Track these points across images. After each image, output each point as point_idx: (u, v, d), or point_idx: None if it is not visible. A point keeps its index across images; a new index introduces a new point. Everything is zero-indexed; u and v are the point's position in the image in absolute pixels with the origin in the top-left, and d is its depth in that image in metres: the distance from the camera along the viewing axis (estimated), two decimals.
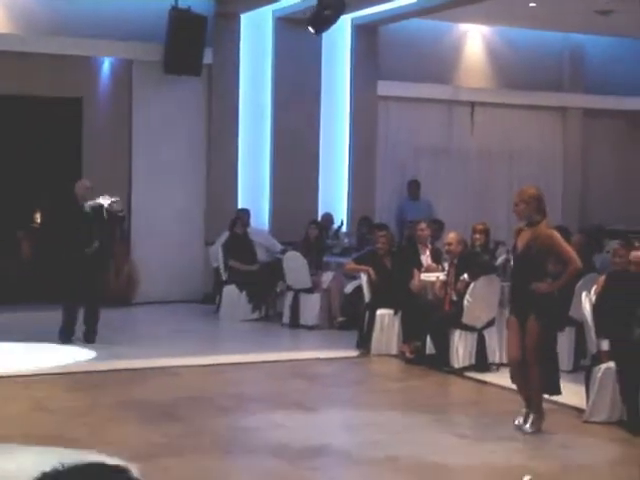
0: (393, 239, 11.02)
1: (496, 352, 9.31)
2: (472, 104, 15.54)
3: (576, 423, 7.29)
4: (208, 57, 13.28)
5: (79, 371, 8.98)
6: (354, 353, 10.13)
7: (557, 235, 6.96)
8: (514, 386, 7.29)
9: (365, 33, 14.33)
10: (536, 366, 6.89)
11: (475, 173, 15.65)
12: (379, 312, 10.15)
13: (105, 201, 10.28)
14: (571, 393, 7.60)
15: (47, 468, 2.22)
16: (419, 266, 10.50)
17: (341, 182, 14.48)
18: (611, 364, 7.16)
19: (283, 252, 12.49)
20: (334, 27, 11.37)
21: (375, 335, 10.10)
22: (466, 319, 9.21)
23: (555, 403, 7.45)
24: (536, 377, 6.93)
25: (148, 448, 6.40)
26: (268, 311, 12.46)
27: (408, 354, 9.68)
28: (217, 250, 12.67)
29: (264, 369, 9.42)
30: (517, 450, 6.72)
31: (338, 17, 11.00)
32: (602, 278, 7.66)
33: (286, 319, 11.91)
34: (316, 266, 12.11)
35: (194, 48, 12.90)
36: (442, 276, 9.70)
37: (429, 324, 9.38)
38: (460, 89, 15.36)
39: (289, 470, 6.12)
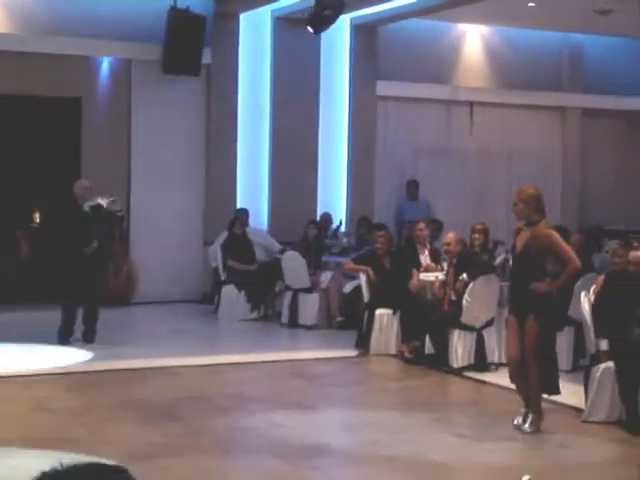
0: (392, 239, 11.03)
1: (495, 352, 9.32)
2: (471, 104, 15.55)
3: (575, 423, 7.29)
4: (207, 57, 13.27)
5: (78, 371, 8.98)
6: (353, 353, 10.14)
7: (556, 235, 6.96)
8: (513, 386, 7.29)
9: (364, 33, 14.34)
10: (535, 366, 6.89)
11: (474, 173, 15.65)
12: (378, 312, 10.15)
13: (104, 201, 10.28)
14: (570, 393, 7.61)
15: (46, 468, 2.22)
16: (418, 266, 10.50)
17: (340, 182, 14.48)
18: (610, 364, 7.16)
19: (282, 252, 12.49)
20: (333, 27, 11.37)
21: (374, 335, 10.10)
22: (465, 319, 9.21)
23: (554, 403, 7.45)
24: (535, 377, 6.93)
25: (147, 448, 6.40)
26: (267, 311, 12.47)
27: (407, 354, 9.69)
28: (216, 250, 12.66)
29: (263, 369, 9.42)
30: (516, 450, 6.73)
31: (337, 17, 11.00)
32: (601, 278, 7.66)
33: (285, 319, 11.91)
34: (315, 266, 12.11)
35: (193, 48, 12.89)
36: (441, 276, 9.71)
37: (428, 324, 9.38)
38: (459, 89, 15.36)
39: (288, 470, 6.12)
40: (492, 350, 9.33)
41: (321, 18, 10.90)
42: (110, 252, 10.77)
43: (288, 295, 11.91)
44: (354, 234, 13.59)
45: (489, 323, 9.36)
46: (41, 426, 6.99)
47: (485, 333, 9.30)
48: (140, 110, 13.26)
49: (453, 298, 9.34)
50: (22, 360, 9.32)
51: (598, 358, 7.28)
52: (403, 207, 14.51)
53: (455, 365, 9.17)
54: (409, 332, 9.83)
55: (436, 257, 10.72)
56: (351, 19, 14.06)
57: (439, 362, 9.23)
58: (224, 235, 12.67)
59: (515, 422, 7.07)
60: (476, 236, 10.53)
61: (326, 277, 11.95)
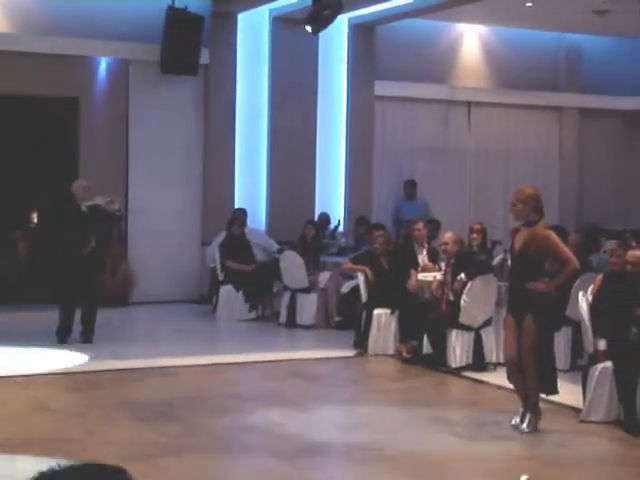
0: (390, 239, 11.03)
1: (493, 352, 9.32)
2: (469, 104, 15.56)
3: (573, 423, 7.29)
4: (205, 57, 13.28)
5: (76, 371, 8.97)
6: (351, 353, 10.14)
7: (554, 236, 6.96)
8: (511, 386, 7.30)
9: (362, 33, 14.34)
10: (533, 366, 6.89)
11: (472, 173, 15.66)
12: (376, 312, 10.16)
13: (102, 201, 10.29)
14: (568, 393, 7.61)
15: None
16: (416, 266, 10.50)
17: (338, 182, 14.49)
18: (608, 364, 7.16)
19: (280, 252, 12.49)
20: (331, 27, 11.37)
21: (372, 335, 10.10)
22: (463, 319, 9.21)
23: (552, 403, 7.45)
24: (533, 377, 6.93)
25: (146, 448, 6.40)
26: (265, 311, 12.47)
27: (405, 354, 9.69)
28: (214, 250, 12.66)
29: (261, 369, 9.42)
30: (514, 449, 6.73)
31: (335, 16, 11.00)
32: (599, 278, 7.66)
33: (283, 319, 11.91)
34: (313, 266, 12.11)
35: (191, 48, 12.90)
36: (439, 276, 9.71)
37: (426, 324, 9.39)
38: (457, 89, 15.37)
39: (287, 469, 6.12)
40: (490, 350, 9.33)
41: (319, 17, 10.89)
42: (108, 252, 10.76)
43: (286, 295, 11.91)
44: (352, 234, 13.60)
45: (487, 323, 9.37)
46: (40, 426, 6.99)
47: (483, 333, 9.30)
48: (138, 110, 13.26)
49: (451, 298, 9.34)
50: (20, 360, 9.31)
51: (596, 358, 7.29)
52: (401, 207, 14.52)
53: (453, 365, 9.17)
54: (407, 332, 9.83)
55: (434, 257, 10.72)
56: (349, 19, 14.07)
57: (437, 362, 9.23)
58: (222, 235, 12.67)
59: (513, 422, 7.08)
60: (474, 236, 10.55)
61: (324, 277, 11.95)
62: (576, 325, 8.42)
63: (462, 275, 9.27)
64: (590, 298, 7.50)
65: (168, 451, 6.38)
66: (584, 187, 16.47)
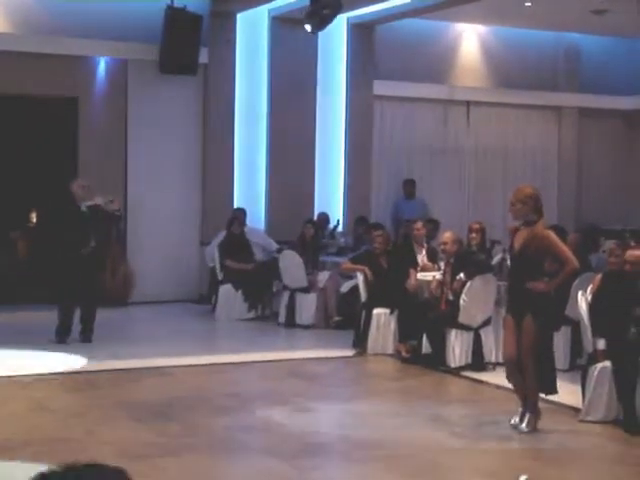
0: (389, 239, 11.03)
1: (492, 351, 9.33)
2: (468, 103, 15.57)
3: (572, 422, 7.29)
4: (204, 56, 13.28)
5: (76, 371, 8.97)
6: (350, 352, 10.14)
7: (553, 236, 6.96)
8: (510, 385, 7.30)
9: (361, 32, 14.34)
10: (532, 365, 6.89)
11: (471, 172, 15.67)
12: (375, 311, 10.16)
13: (101, 201, 10.28)
14: (567, 392, 7.61)
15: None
16: (415, 265, 10.51)
17: (337, 181, 14.49)
18: (607, 363, 7.17)
19: (279, 251, 12.49)
20: (330, 26, 11.37)
21: (371, 334, 10.11)
22: (462, 318, 9.22)
23: (551, 402, 7.46)
24: (532, 376, 6.93)
25: (145, 448, 6.41)
26: (264, 310, 12.47)
27: (404, 353, 9.69)
28: (213, 250, 12.66)
29: (261, 369, 9.42)
30: (513, 449, 6.73)
31: (335, 16, 10.99)
32: (598, 277, 7.66)
33: (282, 318, 11.91)
34: (312, 265, 12.12)
35: (190, 47, 12.90)
36: (438, 275, 9.71)
37: (425, 323, 9.39)
38: (456, 88, 15.37)
39: (287, 469, 6.12)
40: (489, 349, 9.34)
41: (319, 17, 10.89)
42: (108, 252, 10.75)
43: (285, 295, 11.91)
44: (351, 234, 13.60)
45: (486, 323, 9.37)
46: (40, 426, 6.99)
47: (482, 333, 9.31)
48: (137, 110, 13.26)
49: (450, 298, 9.34)
50: (20, 360, 9.31)
51: (595, 357, 7.29)
52: (400, 206, 14.53)
53: (452, 365, 9.18)
54: (406, 332, 9.84)
55: (433, 257, 10.73)
56: (348, 18, 14.07)
57: (436, 362, 9.23)
58: (222, 235, 12.68)
59: (512, 422, 7.08)
60: (473, 235, 10.55)
61: (323, 277, 11.95)
62: (575, 325, 8.42)
63: (461, 275, 9.27)
64: (589, 298, 7.51)
65: (167, 451, 6.38)
66: (583, 187, 16.48)
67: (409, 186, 14.68)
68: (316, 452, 6.54)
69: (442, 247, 9.60)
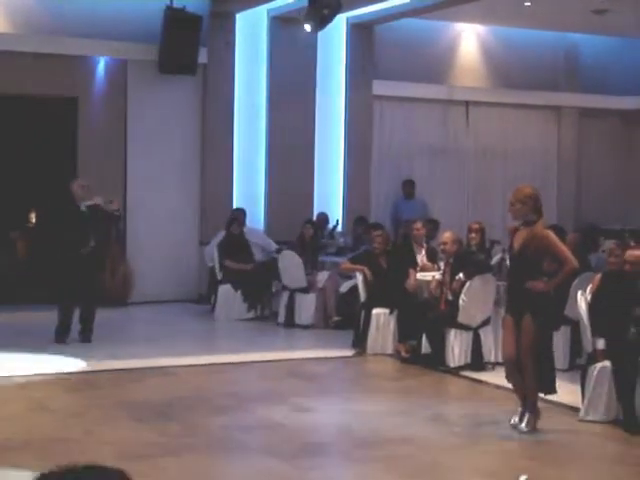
0: (389, 239, 11.03)
1: (492, 351, 9.33)
2: (467, 103, 15.56)
3: (572, 422, 7.30)
4: (203, 56, 13.28)
5: (75, 371, 8.97)
6: (350, 352, 10.14)
7: (553, 236, 6.96)
8: (509, 385, 7.30)
9: (360, 32, 14.34)
10: (531, 365, 6.89)
11: (470, 172, 15.67)
12: (375, 311, 10.16)
13: (101, 201, 10.28)
14: (567, 392, 7.61)
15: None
16: (415, 265, 10.51)
17: (336, 181, 14.49)
18: (607, 363, 7.17)
19: (278, 251, 12.49)
20: (329, 26, 11.37)
21: (371, 334, 10.10)
22: (462, 318, 9.22)
23: (550, 402, 7.46)
24: (531, 376, 6.93)
25: (145, 448, 6.41)
26: (263, 310, 12.47)
27: (404, 353, 9.69)
28: (212, 250, 12.66)
29: (260, 369, 9.42)
30: (513, 449, 6.73)
31: (335, 16, 10.99)
32: (597, 277, 7.67)
33: (281, 318, 11.91)
34: (311, 266, 12.12)
35: (189, 48, 12.89)
36: (437, 275, 9.72)
37: (425, 323, 9.39)
38: (455, 88, 15.37)
39: (287, 469, 6.12)
40: (489, 349, 9.34)
41: (318, 17, 10.89)
42: (107, 252, 10.76)
43: (285, 295, 11.91)
44: (351, 234, 13.60)
45: (485, 322, 9.37)
46: (39, 426, 6.99)
47: (482, 332, 9.31)
48: (136, 110, 13.26)
49: (450, 298, 9.35)
50: (19, 360, 9.30)
51: (595, 357, 7.29)
52: (399, 206, 14.53)
53: (452, 364, 9.18)
54: (406, 332, 9.84)
55: (433, 256, 10.73)
56: (347, 18, 14.07)
57: (436, 361, 9.24)
58: (221, 235, 12.68)
59: (512, 421, 7.08)
60: (473, 235, 10.56)
61: (323, 277, 11.95)
62: (575, 324, 8.42)
63: (461, 275, 9.27)
64: (589, 297, 7.51)
65: (167, 451, 6.38)
66: (583, 186, 16.48)
67: (408, 186, 14.68)
68: (316, 452, 6.54)
69: (442, 247, 9.61)
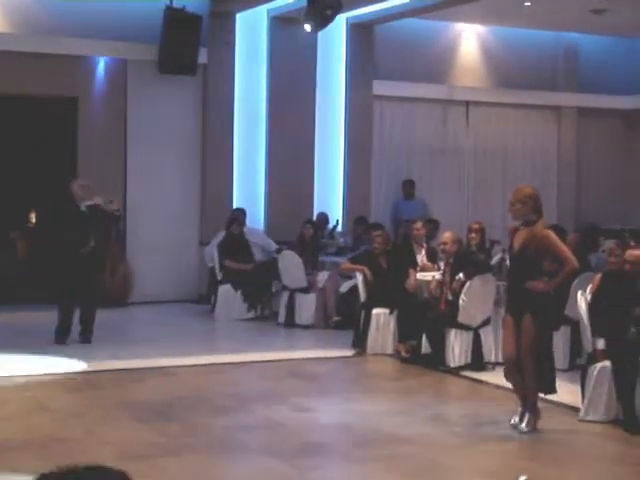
0: (389, 239, 11.03)
1: (492, 351, 9.33)
2: (467, 103, 15.57)
3: (572, 422, 7.30)
4: (203, 57, 13.28)
5: (75, 371, 8.97)
6: (350, 352, 10.14)
7: (553, 235, 6.96)
8: (509, 385, 7.30)
9: (360, 32, 14.34)
10: (531, 365, 6.89)
11: (470, 172, 15.67)
12: (375, 311, 10.16)
13: (101, 201, 10.29)
14: (567, 392, 7.61)
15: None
16: (415, 265, 10.51)
17: (336, 181, 14.49)
18: (607, 363, 7.17)
19: (278, 251, 12.49)
20: (329, 26, 11.37)
21: (371, 334, 10.11)
22: (462, 318, 9.22)
23: (550, 402, 7.46)
24: (531, 376, 6.93)
25: (146, 448, 6.41)
26: (263, 310, 12.47)
27: (404, 353, 9.69)
28: (212, 250, 12.66)
29: (260, 369, 9.42)
30: (513, 449, 6.74)
31: (335, 16, 10.99)
32: (597, 277, 7.67)
33: (281, 318, 11.91)
34: (312, 266, 12.12)
35: (189, 48, 12.90)
36: (437, 275, 9.72)
37: (425, 323, 9.39)
38: (455, 88, 15.37)
39: (287, 469, 6.12)
40: (489, 349, 9.34)
41: (319, 17, 10.88)
42: (107, 252, 10.76)
43: (285, 295, 11.91)
44: (351, 234, 13.60)
45: (486, 322, 9.37)
46: (40, 426, 6.99)
47: (482, 332, 9.31)
48: (136, 110, 13.26)
49: (450, 298, 9.35)
50: (19, 360, 9.30)
51: (595, 357, 7.30)
52: (399, 206, 14.54)
53: (452, 364, 9.18)
54: (406, 332, 9.84)
55: (433, 256, 10.73)
56: (347, 18, 14.07)
57: (436, 361, 9.24)
58: (221, 235, 12.68)
59: (512, 421, 7.08)
60: (472, 235, 10.56)
61: (323, 277, 11.95)
62: (575, 324, 8.42)
63: (461, 275, 9.27)
64: (589, 297, 7.51)
65: (168, 451, 6.39)
66: (582, 186, 16.49)
67: (408, 186, 14.69)
68: (316, 452, 6.55)
69: (442, 247, 9.61)
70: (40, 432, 6.80)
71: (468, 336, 9.25)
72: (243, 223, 12.90)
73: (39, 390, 8.21)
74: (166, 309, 12.93)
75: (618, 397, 7.11)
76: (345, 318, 11.40)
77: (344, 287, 11.68)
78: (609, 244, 9.38)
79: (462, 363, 9.20)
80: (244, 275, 12.33)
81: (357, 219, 13.54)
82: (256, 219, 13.74)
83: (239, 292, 12.27)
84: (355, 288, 10.72)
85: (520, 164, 15.91)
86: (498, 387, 8.30)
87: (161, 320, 12.19)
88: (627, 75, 16.26)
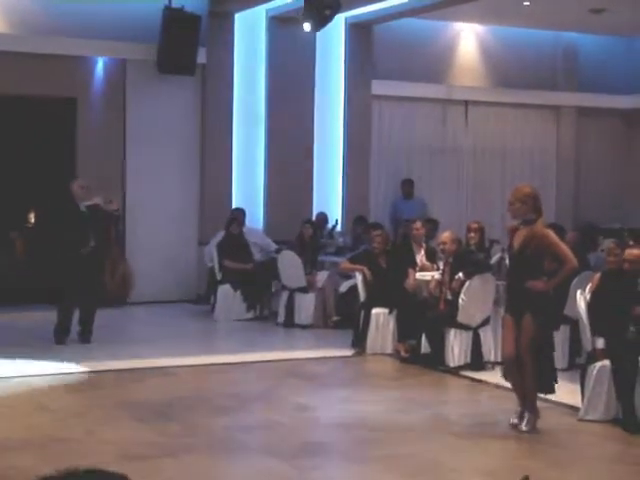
0: (388, 238, 11.03)
1: (491, 351, 9.33)
2: (466, 103, 15.57)
3: (571, 421, 7.30)
4: (202, 56, 13.27)
5: (75, 371, 8.98)
6: (349, 352, 10.14)
7: (553, 235, 6.97)
8: (509, 384, 7.30)
9: (359, 32, 14.34)
10: (531, 364, 6.90)
11: (469, 172, 15.68)
12: (374, 311, 10.16)
13: (100, 201, 10.29)
14: (566, 391, 7.61)
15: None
16: (414, 265, 10.51)
17: (335, 181, 14.49)
18: (606, 362, 7.18)
19: (278, 251, 12.49)
20: (328, 26, 11.36)
21: (370, 334, 10.11)
22: (461, 318, 9.22)
23: (550, 401, 7.46)
24: (531, 376, 6.94)
25: (146, 448, 6.41)
26: (263, 310, 12.47)
27: (403, 353, 9.69)
28: (211, 250, 12.66)
29: (260, 369, 9.42)
30: (512, 449, 6.74)
31: (334, 15, 10.99)
32: (597, 276, 7.67)
33: (281, 318, 11.91)
34: (311, 265, 12.12)
35: (188, 47, 12.89)
36: (437, 275, 9.72)
37: (424, 323, 9.39)
38: (454, 88, 15.38)
39: (287, 469, 6.12)
40: (488, 349, 9.35)
41: (318, 16, 10.88)
42: (107, 252, 10.76)
43: (284, 295, 11.92)
44: (350, 233, 13.60)
45: (485, 322, 9.38)
46: (40, 426, 6.99)
47: (481, 332, 9.32)
48: (135, 110, 13.26)
49: (449, 297, 9.35)
50: (19, 361, 9.30)
51: (594, 356, 7.30)
52: (399, 206, 14.54)
53: (451, 364, 9.18)
54: (405, 331, 9.84)
55: (432, 256, 10.74)
56: (346, 18, 14.07)
57: (435, 361, 9.24)
58: (220, 235, 12.67)
59: (511, 421, 7.08)
60: (472, 235, 10.57)
61: (322, 276, 11.95)
62: (574, 324, 8.42)
63: (460, 274, 9.28)
64: (588, 297, 7.51)
65: (167, 451, 6.39)
66: (581, 186, 16.49)
67: (407, 186, 14.69)
68: (316, 452, 6.55)
69: (441, 247, 9.61)
70: (40, 432, 6.80)
71: (468, 336, 9.25)
72: (242, 223, 12.90)
73: (39, 390, 8.22)
74: (165, 309, 12.93)
75: (617, 396, 7.11)
76: (344, 318, 11.41)
77: (343, 287, 11.68)
78: (608, 243, 9.38)
79: (462, 363, 9.20)
80: (243, 275, 12.32)
81: (356, 219, 13.54)
82: (255, 219, 13.74)
83: (238, 292, 12.27)
84: (354, 288, 10.72)
85: (519, 163, 15.92)
86: (498, 387, 8.30)
87: (161, 320, 12.19)
88: (626, 75, 16.26)
